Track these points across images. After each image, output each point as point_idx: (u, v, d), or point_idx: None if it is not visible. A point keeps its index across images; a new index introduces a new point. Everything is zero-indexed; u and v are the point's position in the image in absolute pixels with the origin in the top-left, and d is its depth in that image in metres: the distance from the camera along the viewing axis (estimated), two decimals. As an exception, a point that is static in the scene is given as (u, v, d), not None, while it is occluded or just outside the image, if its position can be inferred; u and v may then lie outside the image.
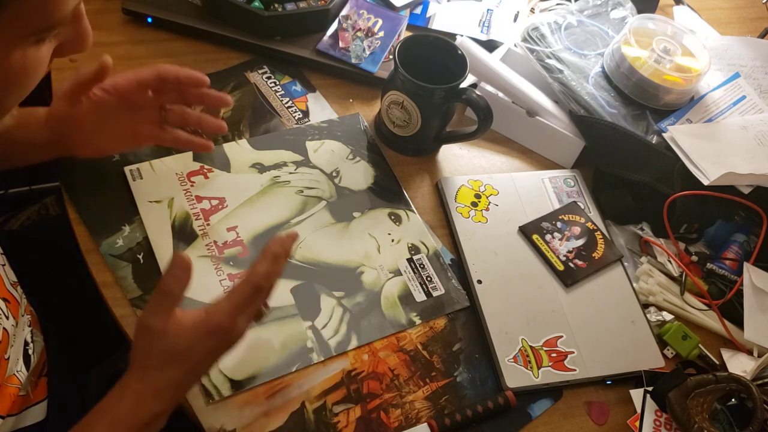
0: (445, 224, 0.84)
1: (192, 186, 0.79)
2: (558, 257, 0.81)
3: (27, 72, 0.49)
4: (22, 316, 0.68)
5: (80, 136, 0.71)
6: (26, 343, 0.68)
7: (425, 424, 0.67)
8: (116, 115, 0.71)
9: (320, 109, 0.90)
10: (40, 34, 0.47)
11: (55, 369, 0.74)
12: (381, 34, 0.96)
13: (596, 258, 0.82)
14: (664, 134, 0.89)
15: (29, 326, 0.69)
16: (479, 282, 0.77)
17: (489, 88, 0.92)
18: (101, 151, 0.75)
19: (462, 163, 0.90)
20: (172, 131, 0.75)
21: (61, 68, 0.85)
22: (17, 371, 0.65)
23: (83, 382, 0.84)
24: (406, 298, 0.76)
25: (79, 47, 0.52)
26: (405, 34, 0.99)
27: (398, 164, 0.88)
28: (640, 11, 1.04)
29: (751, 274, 0.82)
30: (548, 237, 0.82)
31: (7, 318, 0.62)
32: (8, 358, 0.62)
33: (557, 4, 1.05)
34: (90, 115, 0.69)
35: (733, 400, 0.72)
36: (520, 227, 0.83)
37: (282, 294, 0.73)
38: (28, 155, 0.73)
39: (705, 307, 0.81)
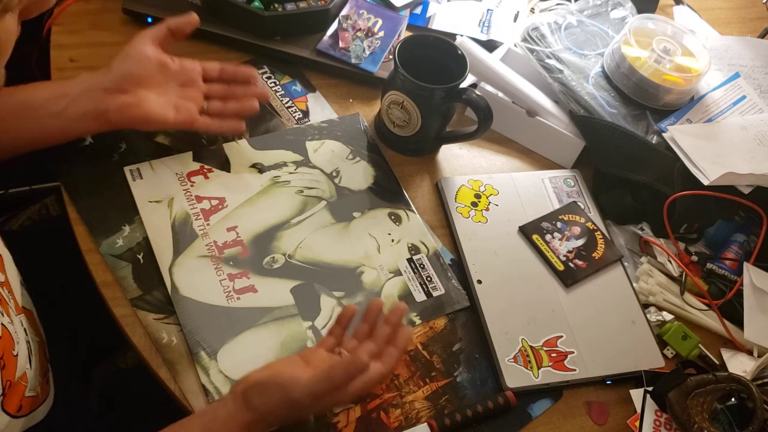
0: (445, 224, 0.84)
1: (192, 186, 0.79)
2: (558, 257, 0.81)
3: (1, 44, 0.50)
4: (15, 316, 0.68)
5: (135, 95, 0.73)
6: (27, 343, 0.68)
7: (425, 424, 0.67)
8: (168, 83, 0.76)
9: (320, 109, 0.90)
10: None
11: (56, 369, 0.74)
12: (381, 34, 0.96)
13: (596, 258, 0.82)
14: (664, 134, 0.89)
15: (23, 325, 0.69)
16: (479, 282, 0.77)
17: (489, 88, 0.92)
18: (145, 117, 0.74)
19: (462, 163, 0.90)
20: (206, 120, 0.78)
21: (61, 68, 0.86)
22: (27, 369, 0.65)
23: (84, 382, 0.84)
24: (406, 298, 0.76)
25: (39, 5, 0.53)
26: (405, 34, 0.99)
27: (398, 164, 0.88)
28: (640, 11, 1.04)
29: (751, 274, 0.82)
30: (548, 237, 0.82)
31: (2, 315, 0.62)
32: (17, 355, 0.62)
33: (557, 4, 1.05)
34: (152, 74, 0.74)
35: (733, 400, 0.72)
36: (520, 227, 0.83)
37: (282, 294, 0.73)
38: (66, 129, 0.74)
39: (705, 307, 0.81)
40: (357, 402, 0.68)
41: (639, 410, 0.72)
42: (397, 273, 0.77)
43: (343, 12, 0.96)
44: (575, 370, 0.73)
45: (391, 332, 0.67)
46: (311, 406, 0.60)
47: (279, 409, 0.59)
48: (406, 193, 0.85)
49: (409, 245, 0.80)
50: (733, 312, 0.80)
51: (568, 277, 0.79)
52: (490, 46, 0.99)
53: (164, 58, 0.75)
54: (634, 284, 0.82)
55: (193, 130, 0.78)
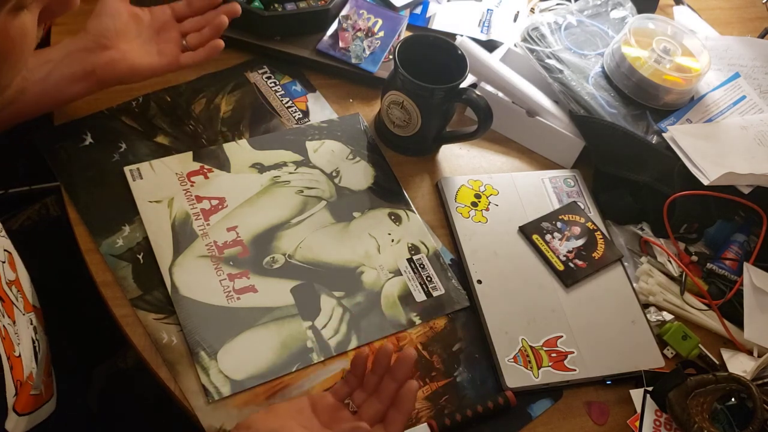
0: (445, 224, 0.84)
1: (192, 186, 0.79)
2: (558, 257, 0.81)
3: (13, 43, 0.48)
4: (23, 315, 0.68)
5: (118, 49, 0.75)
6: (33, 341, 0.68)
7: (425, 424, 0.67)
8: (144, 32, 0.78)
9: (320, 109, 0.90)
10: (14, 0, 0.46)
11: (56, 369, 0.74)
12: (381, 34, 0.96)
13: (596, 258, 0.82)
14: (664, 134, 0.89)
15: (32, 324, 0.69)
16: (479, 282, 0.77)
17: (489, 88, 0.92)
18: (132, 68, 0.76)
19: (462, 163, 0.90)
20: (188, 55, 0.79)
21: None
22: (33, 368, 0.65)
23: (84, 382, 0.84)
24: (406, 298, 0.76)
25: (64, 5, 0.51)
26: (405, 34, 0.99)
27: (398, 164, 0.88)
28: (640, 11, 1.04)
29: (751, 274, 0.82)
30: (548, 237, 0.82)
31: (3, 316, 0.62)
32: (19, 356, 0.62)
33: (557, 4, 1.05)
34: (128, 26, 0.76)
35: (733, 400, 0.72)
36: (520, 227, 0.83)
37: (282, 294, 0.73)
38: (53, 95, 0.74)
39: (705, 307, 0.81)
40: None
41: (639, 410, 0.72)
42: (397, 273, 0.77)
43: (343, 12, 0.96)
44: (575, 370, 0.73)
45: (396, 389, 0.64)
46: None
47: None
48: (406, 193, 0.85)
49: (409, 245, 0.80)
50: (733, 312, 0.80)
51: (568, 277, 0.79)
52: (490, 46, 0.99)
53: (134, 9, 0.78)
54: (634, 284, 0.82)
55: (180, 69, 0.80)
